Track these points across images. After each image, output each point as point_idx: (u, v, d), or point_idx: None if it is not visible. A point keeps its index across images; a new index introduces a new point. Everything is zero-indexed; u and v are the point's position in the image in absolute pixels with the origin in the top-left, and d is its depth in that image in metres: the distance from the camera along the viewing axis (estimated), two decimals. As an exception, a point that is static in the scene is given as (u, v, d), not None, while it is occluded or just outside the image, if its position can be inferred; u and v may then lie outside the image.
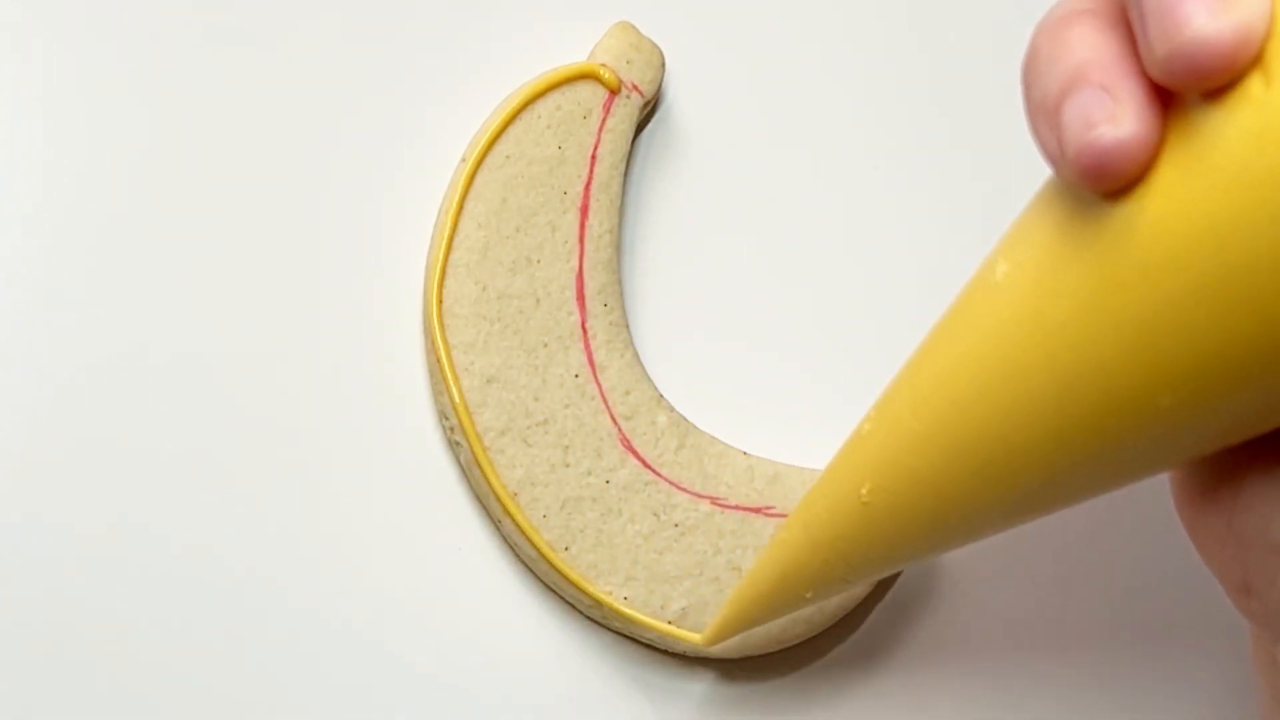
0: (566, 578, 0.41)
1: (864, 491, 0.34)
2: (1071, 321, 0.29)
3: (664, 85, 0.44)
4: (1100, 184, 0.28)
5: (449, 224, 0.42)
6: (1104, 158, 0.28)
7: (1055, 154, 0.29)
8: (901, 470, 0.33)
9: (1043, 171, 0.46)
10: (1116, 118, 0.28)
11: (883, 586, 0.43)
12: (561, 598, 0.42)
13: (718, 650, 0.41)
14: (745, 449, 0.42)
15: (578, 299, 0.42)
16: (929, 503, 0.33)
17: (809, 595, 0.37)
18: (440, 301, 0.41)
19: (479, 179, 0.42)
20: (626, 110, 0.43)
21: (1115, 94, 0.28)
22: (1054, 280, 0.30)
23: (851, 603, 0.42)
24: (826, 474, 0.35)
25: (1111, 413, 0.30)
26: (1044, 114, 0.29)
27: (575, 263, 0.42)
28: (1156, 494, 0.44)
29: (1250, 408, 0.29)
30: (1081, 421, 0.30)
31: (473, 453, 0.41)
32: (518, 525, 0.41)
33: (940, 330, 0.33)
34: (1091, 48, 0.28)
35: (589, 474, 0.41)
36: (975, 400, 0.31)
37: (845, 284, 0.44)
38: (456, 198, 0.42)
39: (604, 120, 0.42)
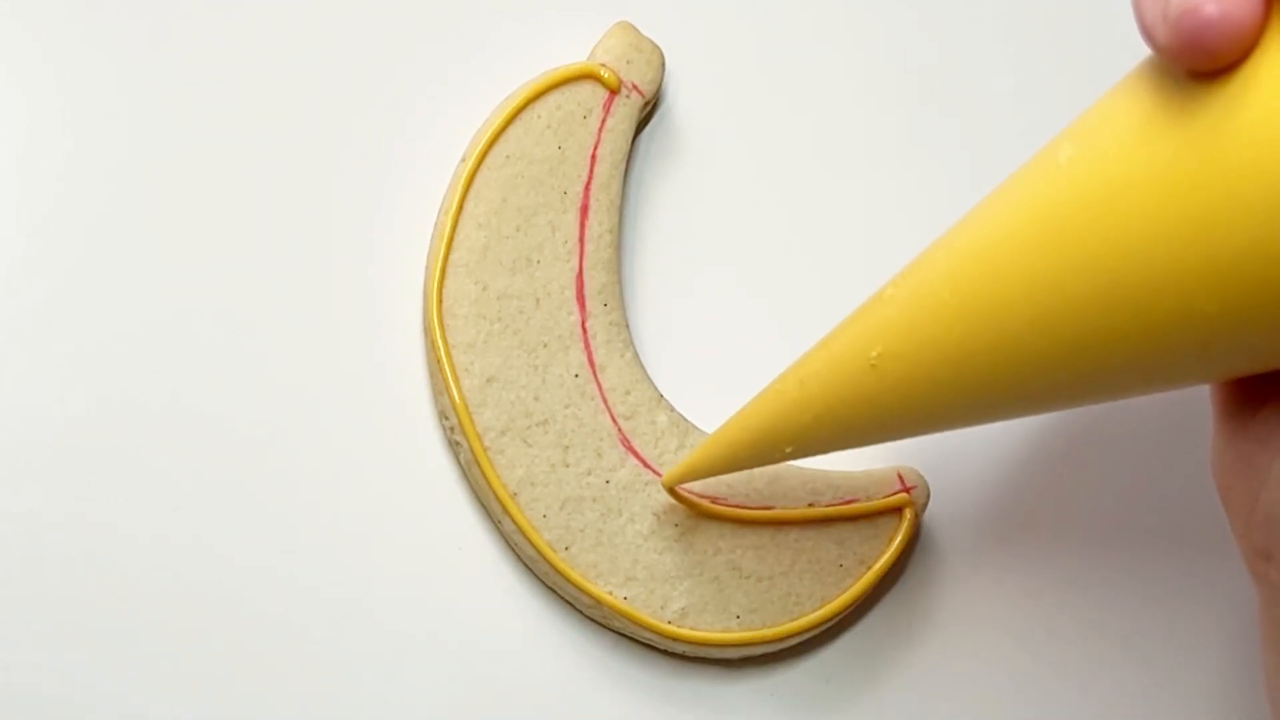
0: (566, 578, 0.41)
1: (874, 354, 0.33)
2: (1136, 211, 0.29)
3: (664, 85, 0.44)
4: (1199, 56, 0.28)
5: (449, 224, 0.42)
6: (1207, 27, 0.28)
7: (1156, 22, 0.28)
8: (921, 338, 0.33)
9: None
10: None
11: (884, 585, 0.43)
12: (561, 598, 0.42)
13: (718, 651, 0.41)
14: (745, 449, 0.42)
15: (578, 299, 0.42)
16: (943, 375, 0.32)
17: (789, 450, 0.36)
18: (440, 301, 0.41)
19: (479, 179, 0.42)
20: (626, 110, 0.43)
21: None
22: (1126, 167, 0.29)
23: (852, 601, 0.42)
24: (833, 333, 0.35)
25: (1154, 310, 0.29)
26: None
27: (575, 263, 0.42)
28: (1158, 493, 0.44)
29: None
30: (1122, 313, 0.30)
31: (473, 452, 0.41)
32: (518, 525, 0.41)
33: (988, 207, 0.32)
34: None
35: (589, 474, 0.41)
36: (1018, 278, 0.31)
37: (845, 283, 0.44)
38: (456, 198, 0.42)
39: (604, 120, 0.42)
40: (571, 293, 0.42)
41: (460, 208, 0.42)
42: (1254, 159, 0.28)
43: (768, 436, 0.36)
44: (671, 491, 0.41)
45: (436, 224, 0.42)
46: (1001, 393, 0.32)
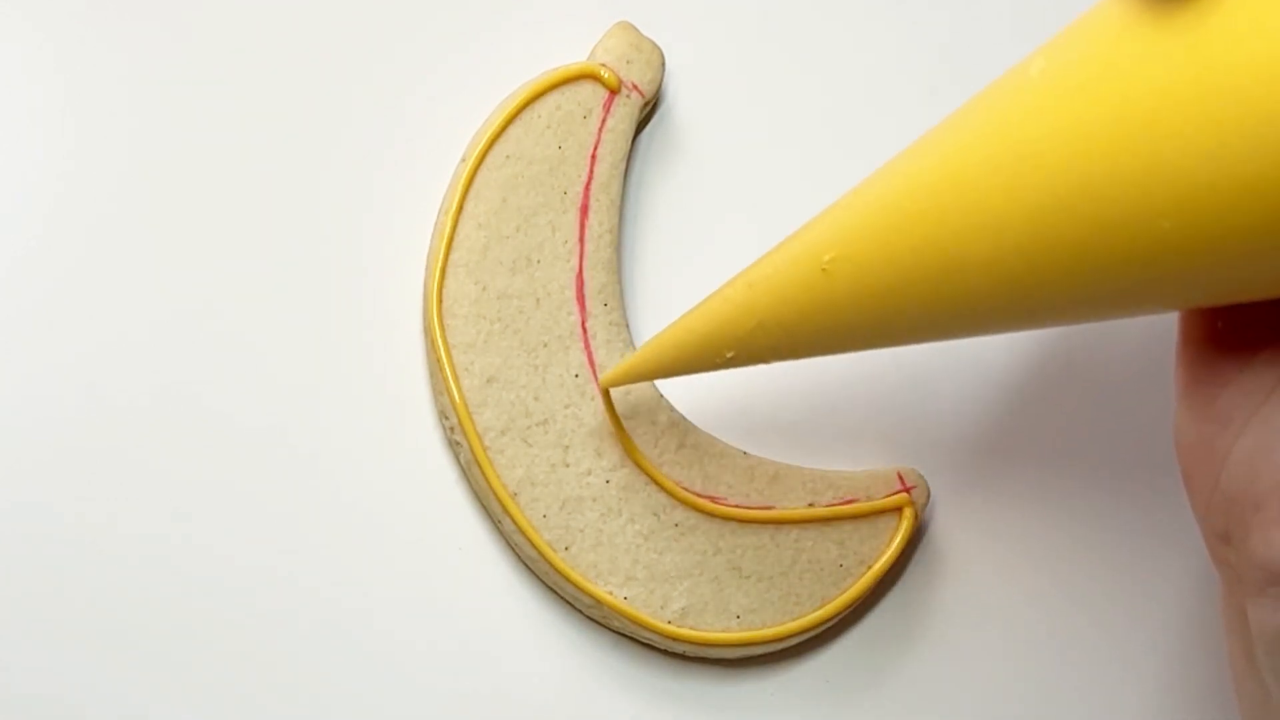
0: (566, 578, 0.41)
1: (827, 258, 0.33)
2: (1104, 123, 0.29)
3: (664, 85, 0.44)
4: None
5: (449, 224, 0.42)
6: None
7: None
8: (877, 244, 0.32)
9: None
10: None
11: (884, 585, 0.43)
12: (561, 598, 0.42)
13: (718, 651, 0.41)
14: (745, 449, 0.42)
15: (578, 299, 0.42)
16: (895, 284, 0.32)
17: (730, 355, 0.36)
18: (440, 301, 0.41)
19: (479, 179, 0.42)
20: (626, 110, 0.43)
21: None
22: (1097, 80, 0.29)
23: (852, 601, 0.42)
24: (788, 238, 0.34)
25: (1113, 223, 0.29)
26: None
27: (575, 263, 0.42)
28: (1161, 492, 0.44)
29: (1246, 263, 0.29)
30: (1081, 226, 0.30)
31: (473, 452, 0.41)
32: (518, 525, 0.41)
33: (956, 119, 0.32)
34: None
35: (589, 474, 0.41)
36: (980, 186, 0.30)
37: (845, 284, 0.44)
38: (456, 198, 0.42)
39: (604, 120, 0.42)
40: (571, 293, 0.42)
41: (460, 208, 0.42)
42: (1222, 73, 0.28)
43: (709, 340, 0.36)
44: (606, 398, 0.40)
45: (436, 224, 0.42)
46: (954, 304, 0.32)
